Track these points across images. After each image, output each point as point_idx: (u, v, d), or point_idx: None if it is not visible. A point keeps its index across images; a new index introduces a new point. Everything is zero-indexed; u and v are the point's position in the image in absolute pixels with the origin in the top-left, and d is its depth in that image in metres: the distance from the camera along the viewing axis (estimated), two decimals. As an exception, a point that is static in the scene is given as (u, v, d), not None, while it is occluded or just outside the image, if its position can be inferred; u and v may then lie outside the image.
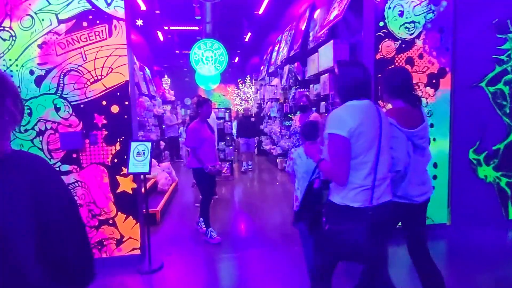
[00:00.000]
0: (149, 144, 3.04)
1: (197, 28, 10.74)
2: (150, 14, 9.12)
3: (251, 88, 14.55)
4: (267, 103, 9.65)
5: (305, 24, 6.50)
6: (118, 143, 3.15)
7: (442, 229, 3.82)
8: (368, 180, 1.68)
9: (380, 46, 3.53)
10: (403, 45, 3.57)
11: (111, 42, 3.06)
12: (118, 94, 3.11)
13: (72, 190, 3.04)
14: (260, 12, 8.80)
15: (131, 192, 3.20)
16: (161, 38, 12.18)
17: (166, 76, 17.54)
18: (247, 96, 14.53)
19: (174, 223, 4.62)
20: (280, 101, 8.40)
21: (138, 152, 3.03)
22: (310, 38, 6.10)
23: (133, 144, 3.06)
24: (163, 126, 10.71)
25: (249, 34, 11.91)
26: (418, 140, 2.03)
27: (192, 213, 4.92)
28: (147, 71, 11.30)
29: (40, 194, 0.88)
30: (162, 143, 10.49)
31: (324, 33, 5.20)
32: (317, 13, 6.03)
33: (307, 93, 5.70)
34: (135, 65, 8.83)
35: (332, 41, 4.60)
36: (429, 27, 3.59)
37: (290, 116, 7.65)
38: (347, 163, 1.68)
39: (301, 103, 4.45)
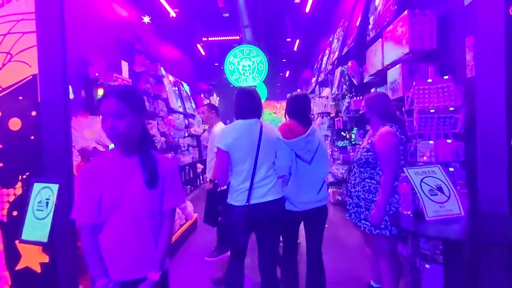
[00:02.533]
0: (55, 188, 1.64)
1: (238, 37, 9.65)
2: (184, 24, 8.22)
3: (302, 103, 12.92)
4: (317, 118, 7.91)
5: (362, 10, 4.80)
6: (19, 183, 1.83)
7: None
8: (246, 184, 2.19)
9: (517, -11, 1.75)
10: None
11: (10, 11, 1.80)
12: (20, 98, 1.81)
13: None
14: (307, 9, 7.31)
15: (39, 270, 1.82)
16: (203, 53, 11.35)
17: (215, 94, 16.90)
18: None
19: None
20: (331, 115, 6.59)
21: (39, 202, 1.66)
22: (370, 26, 4.38)
23: (36, 187, 1.69)
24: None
25: (298, 41, 10.46)
26: (298, 151, 2.31)
27: (204, 269, 3.44)
28: (186, 87, 10.46)
29: None
30: (200, 166, 9.41)
31: (391, 8, 3.47)
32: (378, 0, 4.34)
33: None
34: (165, 79, 7.92)
35: (406, 12, 2.87)
36: None
37: (344, 135, 5.83)
38: (222, 169, 2.25)
39: (361, 111, 2.82)
